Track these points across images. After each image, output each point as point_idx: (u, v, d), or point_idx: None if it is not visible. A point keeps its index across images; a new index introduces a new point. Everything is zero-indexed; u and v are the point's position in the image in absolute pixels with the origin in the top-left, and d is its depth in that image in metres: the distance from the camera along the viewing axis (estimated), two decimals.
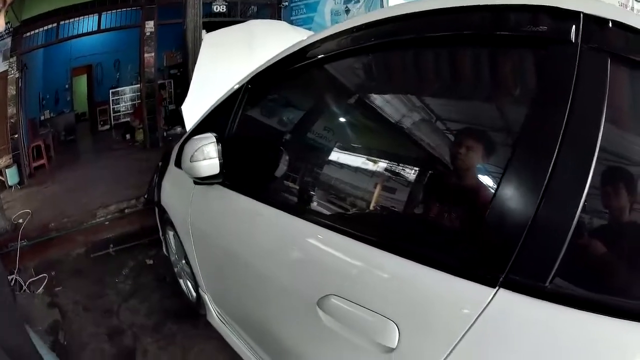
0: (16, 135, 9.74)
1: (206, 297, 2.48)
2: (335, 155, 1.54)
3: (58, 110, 13.42)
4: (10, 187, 9.16)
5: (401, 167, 1.32)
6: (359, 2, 8.36)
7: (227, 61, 2.76)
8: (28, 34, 9.78)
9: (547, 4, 1.05)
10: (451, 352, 0.99)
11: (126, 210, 5.93)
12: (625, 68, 0.96)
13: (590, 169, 0.88)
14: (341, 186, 1.50)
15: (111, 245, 4.95)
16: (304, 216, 1.53)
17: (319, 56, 1.67)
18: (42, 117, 12.09)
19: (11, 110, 9.76)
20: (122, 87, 13.37)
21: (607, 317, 0.80)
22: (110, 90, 13.56)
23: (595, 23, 0.99)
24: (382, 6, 7.70)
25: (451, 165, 1.23)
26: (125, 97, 13.39)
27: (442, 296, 1.05)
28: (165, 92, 10.98)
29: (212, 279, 2.33)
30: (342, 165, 1.51)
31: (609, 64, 0.94)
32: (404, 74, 1.51)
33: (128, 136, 11.13)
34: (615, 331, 0.80)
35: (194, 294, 2.78)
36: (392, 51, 1.48)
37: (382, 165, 1.37)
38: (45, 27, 10.11)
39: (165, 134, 9.95)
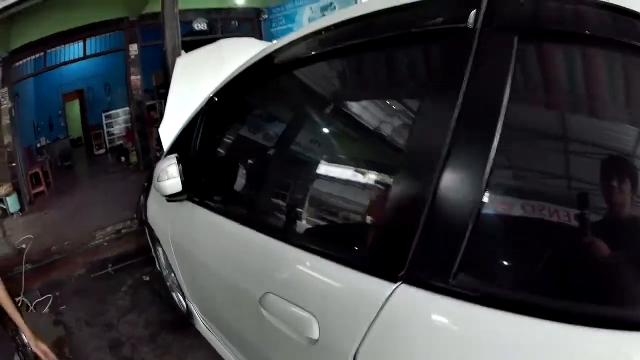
0: (14, 164, 9.91)
1: (192, 307, 2.65)
2: (260, 161, 1.75)
3: (53, 136, 13.66)
4: (12, 214, 9.32)
5: (311, 173, 1.46)
6: (334, 9, 8.56)
7: (199, 81, 2.79)
8: (17, 64, 9.97)
9: None
10: (361, 342, 1.03)
11: (123, 231, 6.16)
12: (539, 42, 0.90)
13: (488, 157, 0.84)
14: (270, 195, 1.67)
15: (110, 265, 5.17)
16: (247, 223, 1.66)
17: (278, 63, 1.71)
18: (38, 144, 12.31)
19: (7, 139, 9.86)
20: (115, 110, 13.64)
21: (509, 313, 0.79)
22: (103, 114, 13.86)
23: (503, 3, 0.92)
24: None
25: (353, 165, 1.33)
26: (119, 119, 13.69)
27: (351, 291, 1.12)
28: (157, 112, 11.00)
29: (194, 289, 2.48)
30: (269, 172, 1.69)
31: (515, 42, 0.87)
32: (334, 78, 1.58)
33: (123, 159, 11.23)
34: (516, 327, 0.79)
35: (185, 305, 2.93)
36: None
37: (300, 170, 1.53)
38: (33, 57, 10.28)
39: (157, 154, 10.11)
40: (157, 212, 2.98)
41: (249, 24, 10.80)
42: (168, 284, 3.30)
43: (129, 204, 6.27)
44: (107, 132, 14.04)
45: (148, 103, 10.25)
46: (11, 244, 7.01)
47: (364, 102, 1.39)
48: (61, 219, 7.74)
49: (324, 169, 1.44)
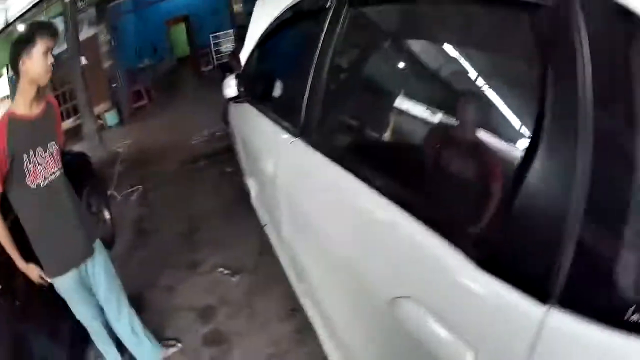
0: (114, 84, 11.24)
1: (249, 182, 3.61)
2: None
3: (158, 58, 15.32)
4: (110, 127, 10.46)
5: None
6: None
7: (272, 13, 3.04)
8: (112, 4, 11.24)
9: None
10: None
11: (217, 134, 7.04)
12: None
13: None
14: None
15: (201, 160, 6.13)
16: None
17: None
18: (141, 65, 13.71)
19: (106, 64, 11.25)
20: (222, 32, 14.93)
21: None
22: (211, 35, 15.23)
23: None
24: None
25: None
26: (226, 40, 15.02)
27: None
28: None
29: (249, 170, 3.34)
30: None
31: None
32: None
33: (228, 74, 11.96)
34: None
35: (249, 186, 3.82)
36: None
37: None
38: None
39: None
40: (233, 113, 3.84)
41: None
42: (242, 171, 4.16)
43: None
44: (215, 50, 15.31)
45: None
46: (108, 149, 7.93)
47: None
48: (161, 126, 8.51)
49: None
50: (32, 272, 2.08)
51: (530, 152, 0.80)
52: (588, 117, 0.70)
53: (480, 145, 1.02)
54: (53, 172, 2.07)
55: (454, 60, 1.16)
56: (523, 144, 0.84)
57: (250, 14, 11.07)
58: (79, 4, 9.12)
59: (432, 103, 1.22)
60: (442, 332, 0.95)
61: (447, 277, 0.96)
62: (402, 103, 1.38)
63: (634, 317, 0.64)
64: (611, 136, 0.70)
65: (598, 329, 0.68)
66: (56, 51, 7.71)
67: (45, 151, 2.03)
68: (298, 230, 1.90)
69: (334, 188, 1.49)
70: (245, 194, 3.95)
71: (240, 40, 10.98)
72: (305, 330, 2.56)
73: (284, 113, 2.16)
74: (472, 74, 1.09)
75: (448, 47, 1.21)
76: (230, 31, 13.62)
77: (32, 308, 2.30)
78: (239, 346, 2.59)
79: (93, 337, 2.40)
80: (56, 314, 2.41)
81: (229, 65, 12.43)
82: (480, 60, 1.10)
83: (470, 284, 0.90)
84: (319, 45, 1.74)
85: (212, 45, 15.31)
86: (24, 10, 8.88)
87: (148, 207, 5.12)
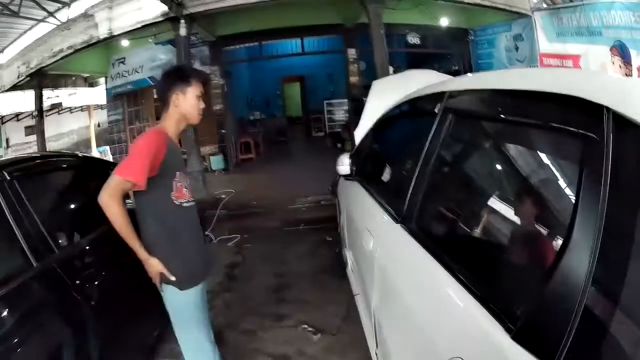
0: (223, 130, 11.46)
1: (347, 253, 3.86)
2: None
3: (269, 112, 15.59)
4: (214, 171, 10.65)
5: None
6: (523, 40, 9.12)
7: (386, 101, 3.39)
8: (226, 48, 11.51)
9: None
10: None
11: (321, 202, 7.17)
12: None
13: None
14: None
15: (302, 224, 6.32)
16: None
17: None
18: (252, 117, 14.15)
19: (218, 108, 11.45)
20: (336, 99, 15.00)
21: None
22: (325, 102, 15.38)
23: None
24: (538, 47, 8.47)
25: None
26: (340, 109, 15.00)
27: None
28: None
29: (349, 241, 3.58)
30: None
31: None
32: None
33: (339, 145, 12.30)
34: None
35: (344, 255, 4.04)
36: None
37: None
38: (246, 45, 11.93)
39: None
40: (341, 187, 4.18)
41: (458, 42, 11.45)
42: (342, 242, 4.46)
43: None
44: (328, 118, 15.43)
45: (365, 99, 11.22)
46: (210, 193, 8.11)
47: None
48: (265, 182, 8.59)
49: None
50: (156, 265, 2.15)
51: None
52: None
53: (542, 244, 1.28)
54: (192, 199, 2.33)
55: (528, 170, 1.48)
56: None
57: (366, 87, 11.67)
58: (192, 38, 9.31)
59: (508, 204, 1.49)
60: None
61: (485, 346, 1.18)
62: (488, 204, 1.66)
63: None
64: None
65: None
66: None
67: (186, 179, 2.31)
68: (386, 304, 2.13)
69: (422, 272, 1.75)
70: (339, 263, 4.28)
71: (354, 113, 11.45)
72: None
73: (389, 198, 2.43)
74: (541, 182, 1.39)
75: (521, 161, 1.53)
76: (345, 101, 13.65)
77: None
78: None
79: None
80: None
81: (341, 135, 12.95)
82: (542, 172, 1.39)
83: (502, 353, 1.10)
84: (427, 143, 2.02)
85: (326, 112, 15.43)
86: (131, 28, 9.25)
87: (242, 256, 5.34)
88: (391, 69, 7.79)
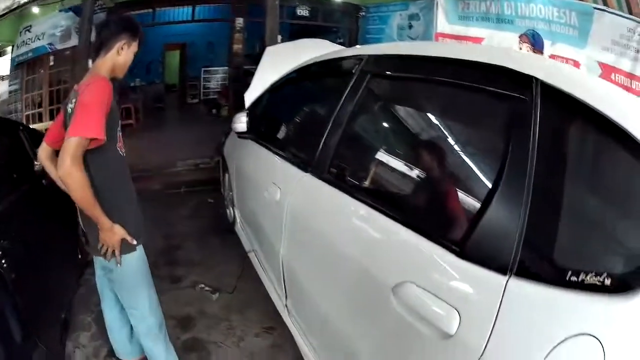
0: None
1: (236, 212, 3.92)
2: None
3: (149, 79, 14.81)
4: None
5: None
6: (419, 19, 9.47)
7: (278, 68, 3.53)
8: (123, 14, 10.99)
9: None
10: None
11: (200, 165, 7.18)
12: None
13: None
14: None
15: (183, 187, 6.27)
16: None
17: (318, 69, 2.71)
18: (133, 84, 13.41)
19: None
20: (214, 67, 14.80)
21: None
22: (203, 69, 15.08)
23: None
24: (435, 27, 8.84)
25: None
26: (217, 76, 14.88)
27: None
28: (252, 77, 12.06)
29: (241, 200, 3.64)
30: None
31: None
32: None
33: (214, 111, 12.35)
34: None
35: (232, 214, 4.14)
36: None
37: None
38: (140, 11, 11.36)
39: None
40: (230, 148, 4.17)
41: (348, 17, 11.66)
42: (225, 203, 4.56)
43: (211, 146, 6.90)
44: (204, 85, 15.24)
45: (246, 67, 10.89)
46: None
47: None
48: (146, 148, 8.37)
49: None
50: (119, 231, 1.98)
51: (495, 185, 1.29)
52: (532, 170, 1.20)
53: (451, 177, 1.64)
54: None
55: (438, 120, 1.76)
56: (487, 181, 1.36)
57: (247, 55, 11.43)
58: (98, 2, 9.03)
59: (431, 149, 1.75)
60: (433, 301, 1.30)
61: (436, 265, 1.35)
62: (405, 150, 1.93)
63: (573, 278, 1.05)
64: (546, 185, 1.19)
65: (545, 289, 1.09)
66: (63, 46, 7.77)
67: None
68: (301, 248, 2.22)
69: (342, 210, 1.89)
70: (224, 223, 4.41)
71: (234, 80, 11.37)
72: (280, 346, 2.84)
73: (296, 152, 2.54)
74: (450, 132, 1.69)
75: (436, 114, 1.79)
76: (224, 69, 13.55)
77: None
78: (216, 355, 2.77)
79: (158, 330, 2.32)
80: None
81: (217, 102, 12.79)
82: (458, 127, 1.69)
83: (452, 267, 1.30)
84: (342, 100, 2.15)
85: (202, 79, 15.29)
86: None
87: None
88: (280, 38, 7.77)
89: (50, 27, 10.96)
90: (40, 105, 9.55)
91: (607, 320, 1.00)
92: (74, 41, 8.89)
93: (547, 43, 6.63)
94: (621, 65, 5.55)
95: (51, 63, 10.45)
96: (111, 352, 2.59)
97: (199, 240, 4.47)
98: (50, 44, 10.90)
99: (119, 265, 2.05)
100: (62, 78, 9.78)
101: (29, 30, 11.25)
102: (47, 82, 11.16)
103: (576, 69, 5.26)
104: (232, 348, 2.85)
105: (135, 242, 2.07)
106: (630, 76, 5.49)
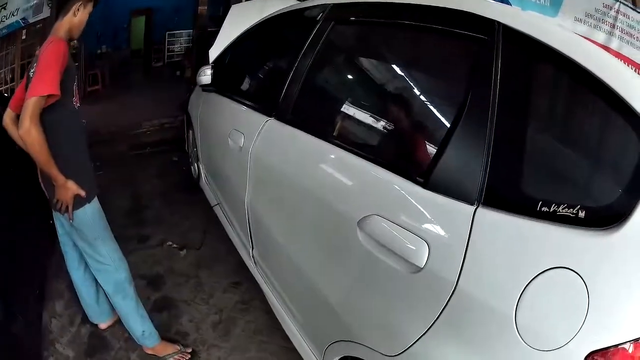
0: (76, 64, 10.79)
1: (201, 166, 3.82)
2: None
3: (115, 45, 14.69)
4: None
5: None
6: None
7: (242, 24, 3.45)
8: None
9: None
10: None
11: (166, 125, 7.15)
12: None
13: None
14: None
15: (148, 147, 6.19)
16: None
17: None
18: (99, 51, 13.32)
19: (73, 43, 10.88)
20: (179, 30, 14.79)
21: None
22: (167, 32, 14.97)
23: None
24: None
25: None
26: (181, 39, 14.94)
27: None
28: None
29: (206, 154, 3.55)
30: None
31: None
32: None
33: (178, 73, 12.29)
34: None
35: (197, 172, 4.04)
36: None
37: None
38: None
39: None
40: (194, 104, 4.02)
41: None
42: (190, 160, 4.45)
43: (175, 105, 7.17)
44: (168, 49, 15.17)
45: (211, 29, 10.53)
46: None
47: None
48: (112, 112, 8.41)
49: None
50: (72, 187, 1.99)
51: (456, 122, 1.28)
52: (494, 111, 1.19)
53: (412, 112, 1.64)
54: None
55: (401, 62, 1.78)
56: (451, 114, 1.34)
57: (212, 17, 11.14)
58: None
59: (394, 94, 1.78)
60: (400, 232, 1.28)
61: (401, 197, 1.34)
62: (368, 89, 1.94)
63: (544, 209, 1.04)
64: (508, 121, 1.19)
65: (517, 219, 1.07)
66: (35, 19, 7.42)
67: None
68: (265, 192, 2.20)
69: (305, 149, 1.88)
70: (189, 180, 4.36)
71: (198, 42, 11.12)
72: (248, 301, 2.82)
73: (259, 100, 2.52)
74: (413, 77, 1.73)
75: (400, 57, 1.81)
76: (188, 31, 13.54)
77: None
78: (187, 313, 2.75)
79: (127, 284, 2.34)
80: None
81: (180, 64, 12.61)
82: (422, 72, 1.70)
83: (417, 198, 1.29)
84: (303, 49, 2.13)
85: (167, 42, 15.20)
86: None
87: (99, 183, 5.02)
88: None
89: (24, 2, 10.76)
90: (12, 80, 9.19)
91: (588, 254, 0.96)
92: (45, 13, 8.58)
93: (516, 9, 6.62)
94: (594, 37, 5.53)
95: (23, 37, 10.17)
96: (85, 318, 2.57)
97: (165, 198, 4.41)
98: (23, 18, 10.65)
99: (71, 220, 2.07)
100: (33, 51, 9.45)
101: (4, 8, 11.02)
102: (19, 57, 11.06)
103: (539, 15, 5.22)
104: (202, 305, 2.83)
105: (84, 194, 2.06)
106: (606, 48, 5.46)
